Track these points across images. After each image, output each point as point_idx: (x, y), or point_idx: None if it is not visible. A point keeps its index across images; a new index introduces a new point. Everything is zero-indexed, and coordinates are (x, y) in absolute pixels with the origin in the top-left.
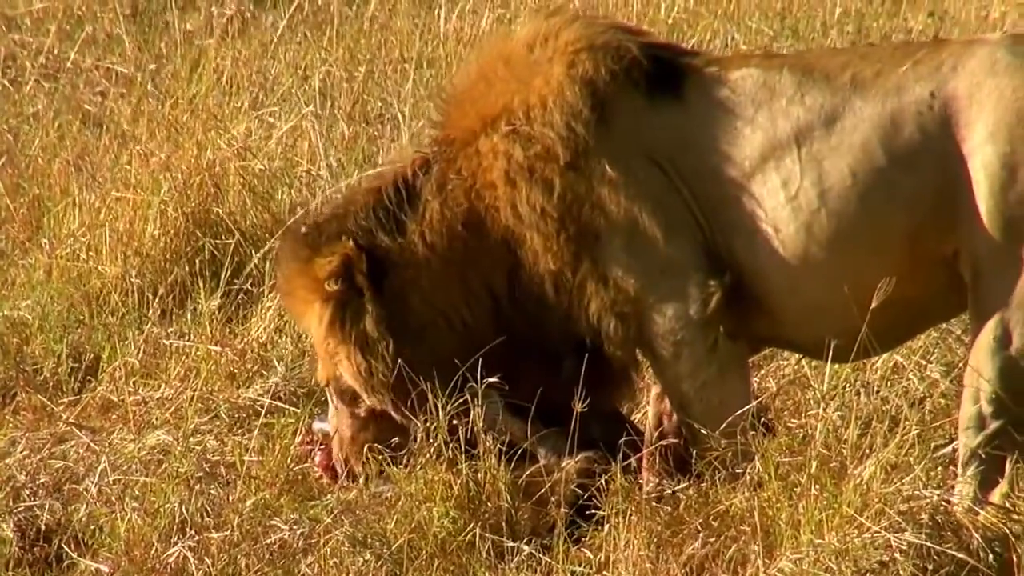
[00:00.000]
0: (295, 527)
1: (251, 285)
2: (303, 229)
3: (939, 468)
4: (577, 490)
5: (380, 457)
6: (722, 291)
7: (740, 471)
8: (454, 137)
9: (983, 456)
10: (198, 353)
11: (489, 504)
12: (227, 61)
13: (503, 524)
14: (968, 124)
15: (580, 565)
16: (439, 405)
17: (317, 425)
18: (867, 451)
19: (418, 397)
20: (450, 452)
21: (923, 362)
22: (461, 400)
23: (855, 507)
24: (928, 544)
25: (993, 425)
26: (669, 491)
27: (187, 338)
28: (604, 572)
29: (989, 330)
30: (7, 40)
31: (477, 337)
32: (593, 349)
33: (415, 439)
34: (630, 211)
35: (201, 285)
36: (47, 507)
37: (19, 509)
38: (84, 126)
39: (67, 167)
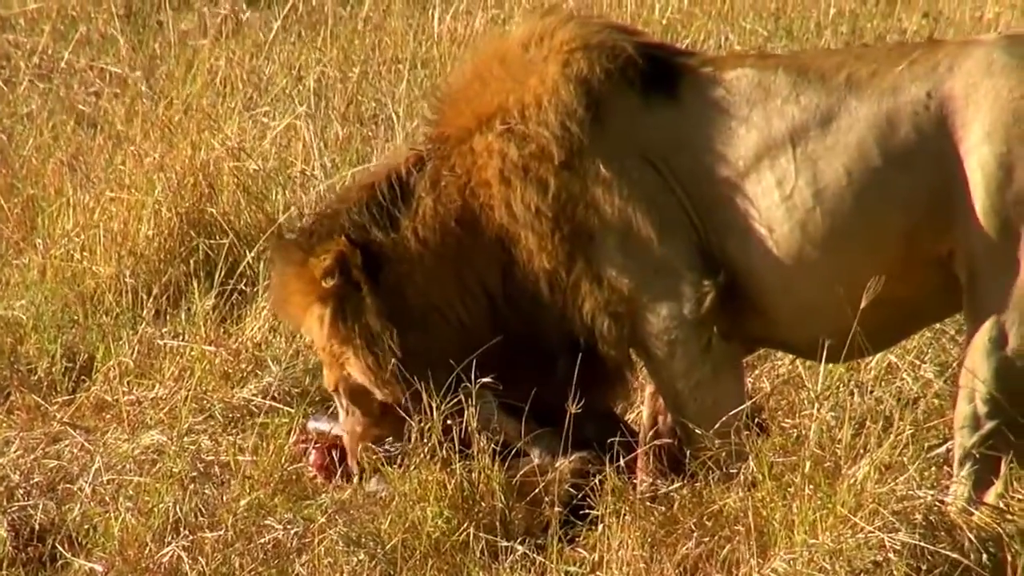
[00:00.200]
0: (289, 527)
1: (245, 285)
2: (293, 235)
3: (933, 468)
4: (571, 490)
5: (375, 456)
6: (716, 291)
7: (734, 471)
8: (448, 135)
9: (977, 456)
10: (192, 353)
11: (483, 504)
12: (221, 61)
13: (497, 524)
14: (964, 124)
15: (574, 565)
16: (433, 405)
17: (311, 424)
18: (861, 451)
19: (416, 394)
20: (444, 452)
21: (917, 362)
22: (455, 400)
23: (849, 507)
24: (922, 544)
25: (988, 425)
26: (663, 491)
27: (181, 338)
28: (598, 572)
29: (985, 330)
30: (1, 40)
31: (475, 334)
32: (587, 349)
33: (410, 438)
34: (624, 211)
35: (195, 285)
36: (41, 507)
37: (13, 509)
38: (78, 126)
39: (61, 167)
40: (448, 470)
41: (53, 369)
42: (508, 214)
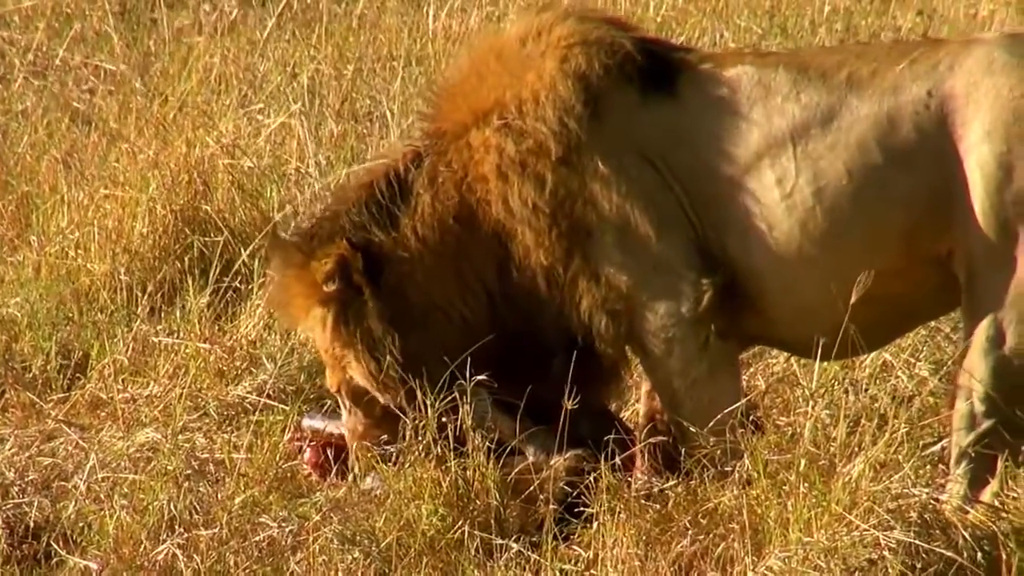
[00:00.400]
0: (284, 524)
1: (240, 282)
2: (292, 237)
3: (928, 466)
4: (566, 488)
5: (370, 455)
6: (714, 289)
7: (729, 469)
8: (445, 130)
9: (973, 455)
10: (187, 350)
11: (478, 502)
12: (215, 59)
13: (492, 522)
14: (965, 123)
15: (569, 563)
16: (427, 403)
17: (306, 422)
18: (856, 449)
19: (412, 391)
20: (439, 449)
21: (912, 360)
22: (450, 397)
23: (844, 505)
24: (917, 542)
25: (985, 424)
26: (658, 489)
27: (176, 336)
28: (592, 570)
29: (983, 329)
30: None
31: (476, 332)
32: (583, 346)
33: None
34: (622, 208)
35: (190, 282)
36: (36, 504)
37: (8, 506)
38: (73, 123)
39: (56, 164)
40: (443, 468)
41: (48, 367)
42: (505, 210)
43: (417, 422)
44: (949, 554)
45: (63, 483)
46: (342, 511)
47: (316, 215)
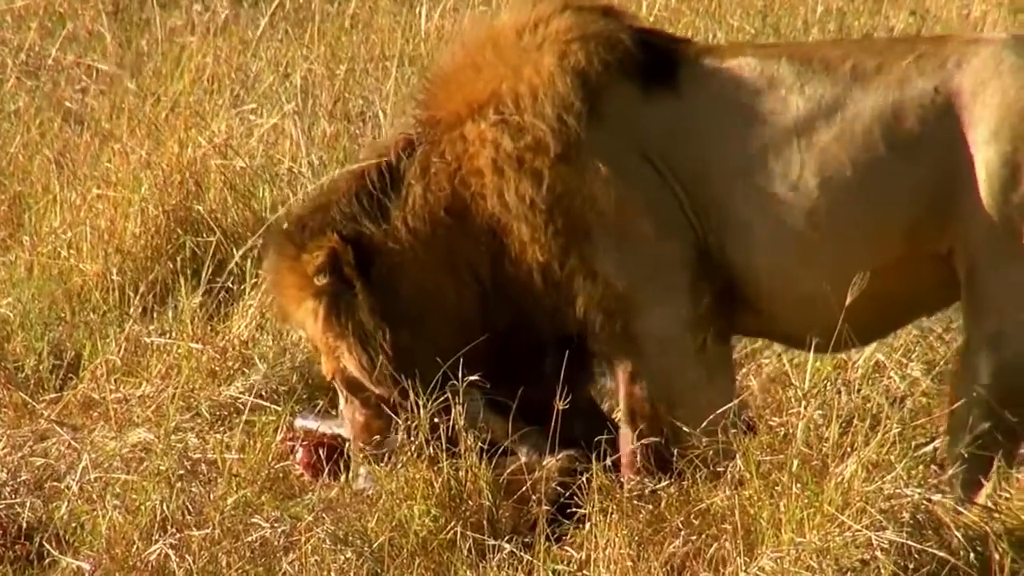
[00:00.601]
0: (276, 525)
1: (232, 283)
2: (286, 225)
3: (920, 467)
4: (558, 488)
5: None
6: (712, 293)
7: (721, 470)
8: (439, 119)
9: (966, 456)
10: (179, 351)
11: (470, 502)
12: (208, 59)
13: (484, 522)
14: (971, 122)
15: (561, 563)
16: (420, 403)
17: (299, 422)
18: (848, 450)
19: (404, 391)
20: (431, 450)
21: (904, 361)
22: (442, 398)
23: (836, 506)
24: (909, 543)
25: (980, 426)
26: (650, 489)
27: (168, 336)
28: (585, 570)
29: (982, 330)
30: None
31: (468, 325)
32: (576, 345)
33: (398, 433)
34: (621, 208)
35: (182, 283)
36: (28, 505)
37: (0, 507)
38: (65, 123)
39: (48, 164)
40: (435, 468)
41: (40, 367)
42: (501, 205)
43: (409, 422)
44: (942, 554)
45: (55, 483)
46: (334, 511)
47: (310, 202)
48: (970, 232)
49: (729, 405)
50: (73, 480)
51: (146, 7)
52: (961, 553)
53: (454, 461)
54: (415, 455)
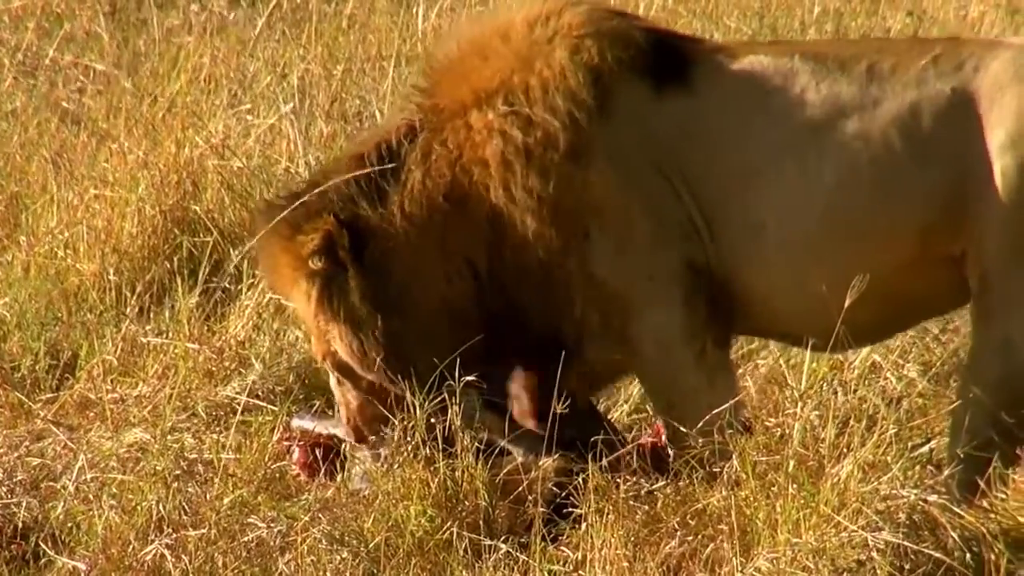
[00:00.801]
0: (272, 525)
1: (229, 283)
2: (280, 201)
3: (916, 467)
4: (554, 488)
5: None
6: (711, 302)
7: (718, 470)
8: (443, 106)
9: (964, 457)
10: (176, 351)
11: (466, 502)
12: (205, 59)
13: (480, 522)
14: (988, 127)
15: (557, 563)
16: (416, 402)
17: (295, 422)
18: (844, 450)
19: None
20: (427, 450)
21: (900, 361)
22: (439, 398)
23: (832, 506)
24: (905, 543)
25: (983, 430)
26: (646, 490)
27: (165, 336)
28: (581, 571)
29: (992, 335)
30: None
31: (460, 313)
32: (572, 344)
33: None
34: (626, 210)
35: (179, 283)
36: (24, 504)
37: None
38: (62, 123)
39: (45, 164)
40: (431, 468)
41: (36, 367)
42: (506, 197)
43: (406, 422)
44: (938, 555)
45: (51, 483)
46: (330, 512)
47: (307, 181)
48: (984, 236)
49: (725, 406)
50: (69, 480)
51: (143, 7)
52: (957, 554)
53: (450, 461)
54: (411, 455)
